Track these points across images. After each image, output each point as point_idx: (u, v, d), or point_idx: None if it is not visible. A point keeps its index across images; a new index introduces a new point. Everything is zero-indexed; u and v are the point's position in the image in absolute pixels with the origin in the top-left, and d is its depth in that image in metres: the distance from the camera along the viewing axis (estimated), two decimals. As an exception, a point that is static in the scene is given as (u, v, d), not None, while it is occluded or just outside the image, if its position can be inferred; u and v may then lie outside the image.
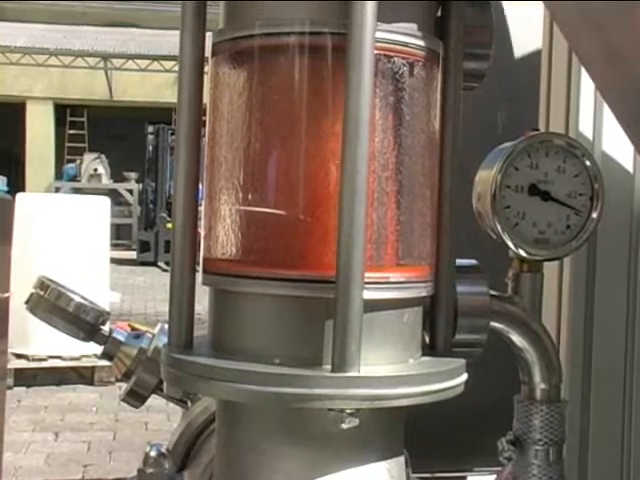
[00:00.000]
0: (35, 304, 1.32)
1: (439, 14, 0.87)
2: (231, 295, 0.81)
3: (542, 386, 1.02)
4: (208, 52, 0.84)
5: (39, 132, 21.13)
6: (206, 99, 0.84)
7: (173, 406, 1.38)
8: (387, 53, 0.78)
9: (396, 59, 0.79)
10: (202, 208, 0.85)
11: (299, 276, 0.77)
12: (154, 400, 1.36)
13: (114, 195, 16.93)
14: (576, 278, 1.32)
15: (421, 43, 0.81)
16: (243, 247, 0.80)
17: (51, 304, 1.31)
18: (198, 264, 0.85)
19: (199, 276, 0.84)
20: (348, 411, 0.74)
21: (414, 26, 0.81)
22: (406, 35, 0.80)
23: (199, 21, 0.83)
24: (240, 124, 0.81)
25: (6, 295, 2.28)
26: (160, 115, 16.47)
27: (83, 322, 1.32)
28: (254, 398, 0.76)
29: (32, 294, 1.33)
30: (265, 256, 0.79)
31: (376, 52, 0.75)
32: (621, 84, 1.00)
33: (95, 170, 20.31)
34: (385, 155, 0.79)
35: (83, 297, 1.35)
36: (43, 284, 1.32)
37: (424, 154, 0.83)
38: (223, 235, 0.82)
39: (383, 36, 0.77)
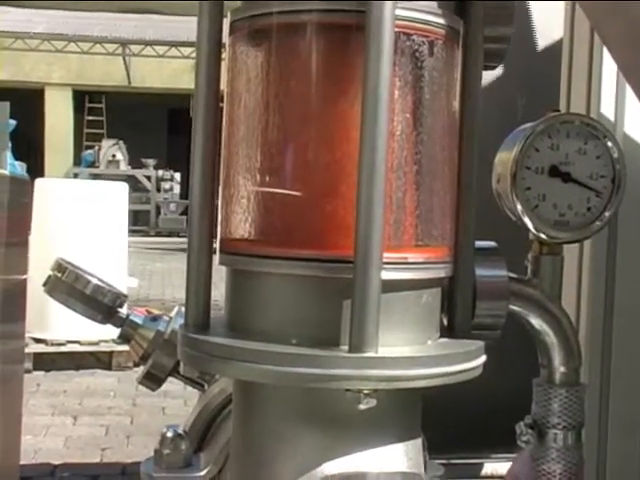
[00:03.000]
0: (53, 286, 1.33)
1: (459, -8, 0.86)
2: (248, 275, 0.80)
3: (561, 370, 1.01)
4: (225, 38, 0.84)
5: (58, 118, 21.20)
6: (223, 83, 0.84)
7: (190, 391, 1.38)
8: (407, 31, 0.77)
9: (416, 37, 0.78)
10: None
11: (317, 256, 0.76)
12: (171, 385, 1.36)
13: (132, 181, 16.98)
14: (596, 261, 1.31)
15: (441, 21, 0.80)
16: (261, 227, 0.80)
17: (68, 286, 1.31)
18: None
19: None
20: (365, 392, 0.73)
21: (434, 4, 0.80)
22: (426, 13, 0.78)
23: (216, 6, 0.82)
24: (258, 103, 0.80)
25: (24, 277, 2.29)
26: (178, 101, 16.49)
27: (100, 304, 1.33)
28: (271, 378, 0.75)
29: (50, 276, 1.33)
30: (283, 236, 0.78)
31: (396, 30, 0.74)
32: (644, 65, 0.99)
33: (113, 156, 20.39)
34: (404, 135, 0.78)
35: (100, 279, 1.35)
36: (61, 266, 1.33)
37: (444, 134, 0.82)
38: (241, 215, 0.81)
39: (403, 14, 0.76)
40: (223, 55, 0.84)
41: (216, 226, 0.84)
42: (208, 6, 0.82)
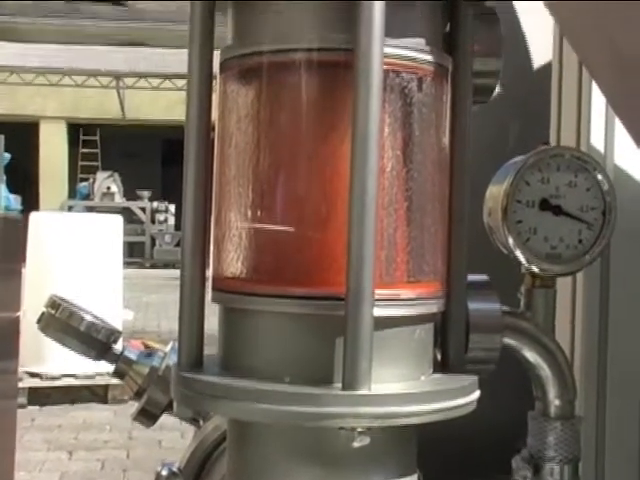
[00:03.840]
0: (47, 323, 1.32)
1: (448, 29, 0.87)
2: (240, 313, 0.80)
3: (556, 402, 1.01)
4: (216, 69, 0.84)
5: (52, 151, 21.28)
6: (214, 116, 0.84)
7: (187, 424, 1.37)
8: (395, 68, 0.78)
9: (404, 74, 0.79)
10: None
11: (309, 294, 0.76)
12: (167, 418, 1.36)
13: (127, 213, 17.02)
14: (589, 293, 1.31)
15: (430, 58, 0.80)
16: (252, 265, 0.80)
17: (62, 323, 1.31)
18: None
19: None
20: (359, 429, 0.73)
21: (422, 41, 0.81)
22: (414, 50, 0.79)
23: (207, 39, 0.83)
24: (249, 141, 0.81)
25: (17, 314, 2.29)
26: (172, 133, 16.55)
27: (95, 341, 1.32)
28: (264, 417, 0.75)
29: (43, 313, 1.33)
30: (274, 274, 0.78)
31: (384, 67, 0.74)
32: (632, 97, 1.00)
33: (108, 188, 20.44)
34: (394, 171, 0.78)
35: (95, 316, 1.35)
36: (55, 303, 1.32)
37: (434, 169, 0.82)
38: (232, 253, 0.81)
39: (391, 51, 0.77)
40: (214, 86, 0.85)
41: (209, 263, 0.84)
42: (198, 38, 0.82)
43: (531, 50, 1.64)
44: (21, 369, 5.00)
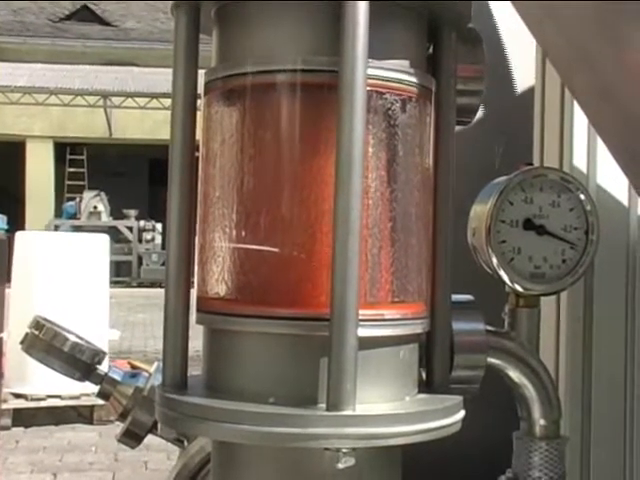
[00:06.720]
0: (30, 344, 1.31)
1: (431, 51, 0.88)
2: (225, 334, 0.80)
3: (541, 422, 1.01)
4: (200, 89, 0.84)
5: (39, 170, 21.23)
6: (199, 136, 0.84)
7: (173, 445, 1.37)
8: (379, 89, 0.78)
9: (388, 95, 0.79)
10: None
11: (293, 314, 0.76)
12: (154, 439, 1.35)
13: (114, 232, 16.97)
14: (573, 313, 1.32)
15: (413, 79, 0.81)
16: (237, 285, 0.80)
17: (46, 344, 1.30)
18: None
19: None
20: (344, 450, 0.73)
21: (406, 62, 0.81)
22: (398, 71, 0.80)
23: (191, 59, 0.83)
24: (233, 162, 0.81)
25: (1, 335, 2.27)
26: (159, 152, 16.56)
27: (79, 362, 1.31)
28: (248, 438, 0.75)
29: (27, 334, 1.32)
30: (259, 294, 0.78)
31: (368, 89, 0.75)
32: (614, 119, 1.01)
33: (95, 208, 20.39)
34: (378, 192, 0.79)
35: (79, 336, 1.34)
36: (38, 324, 1.32)
37: (418, 190, 0.82)
38: (217, 273, 0.81)
39: (375, 73, 0.77)
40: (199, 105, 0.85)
41: (193, 284, 0.84)
42: (182, 58, 0.82)
43: (515, 71, 1.65)
44: (5, 390, 4.96)
